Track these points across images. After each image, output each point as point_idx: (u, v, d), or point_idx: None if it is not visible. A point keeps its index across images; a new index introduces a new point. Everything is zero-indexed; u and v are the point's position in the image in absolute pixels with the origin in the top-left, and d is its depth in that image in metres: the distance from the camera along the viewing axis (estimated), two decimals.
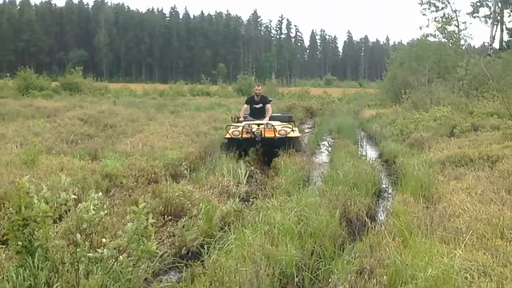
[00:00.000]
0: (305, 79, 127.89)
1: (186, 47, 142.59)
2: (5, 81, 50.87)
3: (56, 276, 4.91)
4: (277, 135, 14.27)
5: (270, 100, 16.59)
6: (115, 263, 5.17)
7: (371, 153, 16.74)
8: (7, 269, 4.98)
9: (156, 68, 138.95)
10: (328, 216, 7.29)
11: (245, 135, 14.15)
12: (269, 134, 14.17)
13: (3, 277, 4.80)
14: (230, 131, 14.62)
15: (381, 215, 8.95)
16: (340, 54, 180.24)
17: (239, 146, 13.89)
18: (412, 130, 18.97)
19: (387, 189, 11.25)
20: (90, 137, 16.41)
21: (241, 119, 15.73)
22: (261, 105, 15.81)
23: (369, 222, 7.51)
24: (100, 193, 5.70)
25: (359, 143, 19.21)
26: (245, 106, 16.19)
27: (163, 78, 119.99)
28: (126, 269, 5.16)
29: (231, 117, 17.22)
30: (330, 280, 5.23)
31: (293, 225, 6.83)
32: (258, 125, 14.43)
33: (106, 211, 5.51)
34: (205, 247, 6.18)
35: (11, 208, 4.97)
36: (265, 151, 13.98)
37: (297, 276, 5.57)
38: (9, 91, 42.01)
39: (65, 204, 5.35)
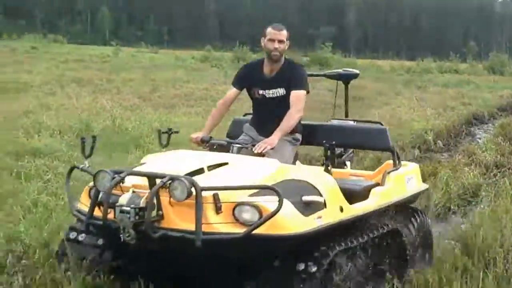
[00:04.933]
0: None
1: (435, 24, 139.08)
2: None
3: None
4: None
5: (310, 76, 5.48)
6: None
7: None
8: None
9: (403, 45, 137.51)
10: None
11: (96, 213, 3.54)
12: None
13: None
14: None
15: None
16: None
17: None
18: None
19: None
20: (338, 107, 17.16)
21: (200, 136, 4.78)
22: (278, 90, 4.94)
23: None
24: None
25: None
26: (233, 91, 5.03)
27: (410, 55, 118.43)
28: None
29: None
30: None
31: None
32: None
33: None
34: None
35: None
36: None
37: None
38: None
39: None
